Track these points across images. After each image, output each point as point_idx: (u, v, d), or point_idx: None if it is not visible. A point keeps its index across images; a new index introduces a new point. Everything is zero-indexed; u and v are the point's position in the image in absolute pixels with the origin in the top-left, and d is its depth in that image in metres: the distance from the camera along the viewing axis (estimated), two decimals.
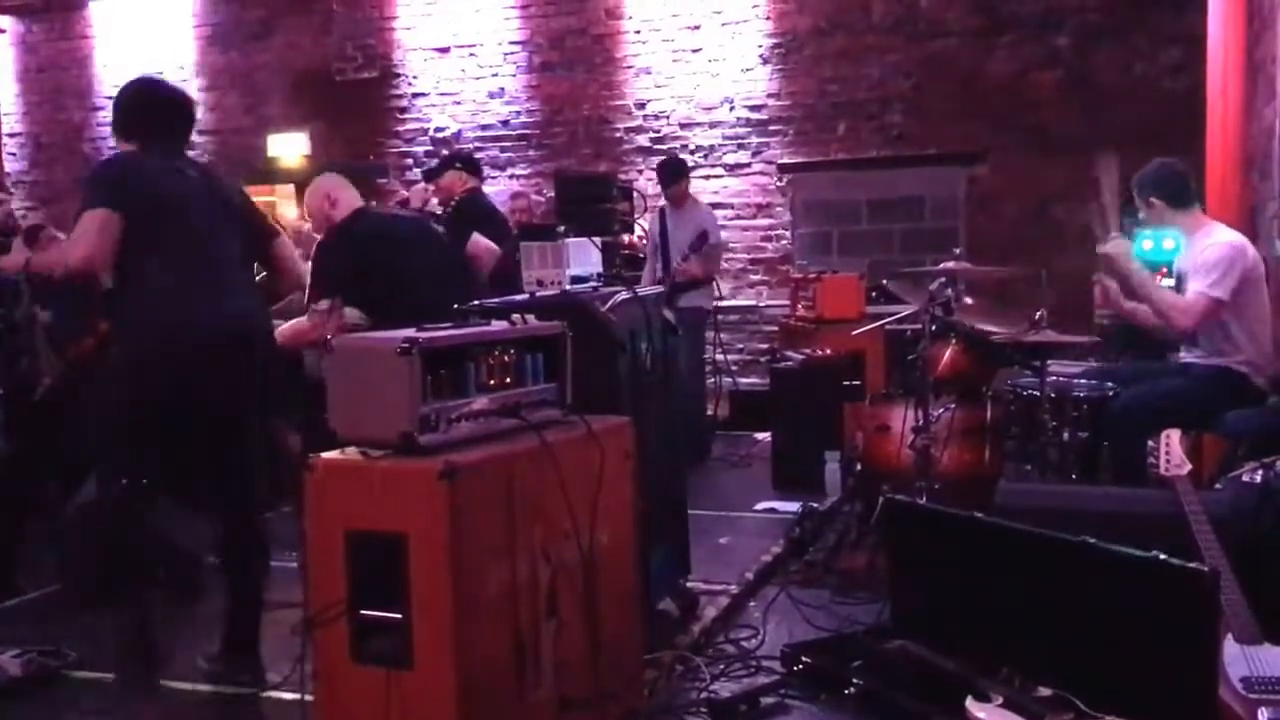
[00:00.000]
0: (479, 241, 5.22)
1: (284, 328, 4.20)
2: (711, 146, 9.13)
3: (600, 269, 3.94)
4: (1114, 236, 4.47)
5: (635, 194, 7.99)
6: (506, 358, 2.74)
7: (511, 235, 6.02)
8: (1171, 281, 4.71)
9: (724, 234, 7.82)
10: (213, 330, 3.36)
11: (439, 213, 6.11)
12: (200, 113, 10.47)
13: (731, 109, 9.07)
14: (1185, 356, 4.45)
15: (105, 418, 3.46)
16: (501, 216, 6.50)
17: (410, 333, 2.53)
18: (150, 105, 3.58)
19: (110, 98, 3.76)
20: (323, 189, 4.25)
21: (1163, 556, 2.60)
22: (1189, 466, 3.26)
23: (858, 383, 6.11)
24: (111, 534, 3.45)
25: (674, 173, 7.21)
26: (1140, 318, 4.57)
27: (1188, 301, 4.23)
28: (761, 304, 9.07)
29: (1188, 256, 4.37)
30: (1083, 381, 4.68)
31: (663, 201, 7.30)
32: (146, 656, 3.41)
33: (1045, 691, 2.77)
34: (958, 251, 4.97)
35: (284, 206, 10.55)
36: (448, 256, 4.46)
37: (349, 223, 4.15)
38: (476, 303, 3.36)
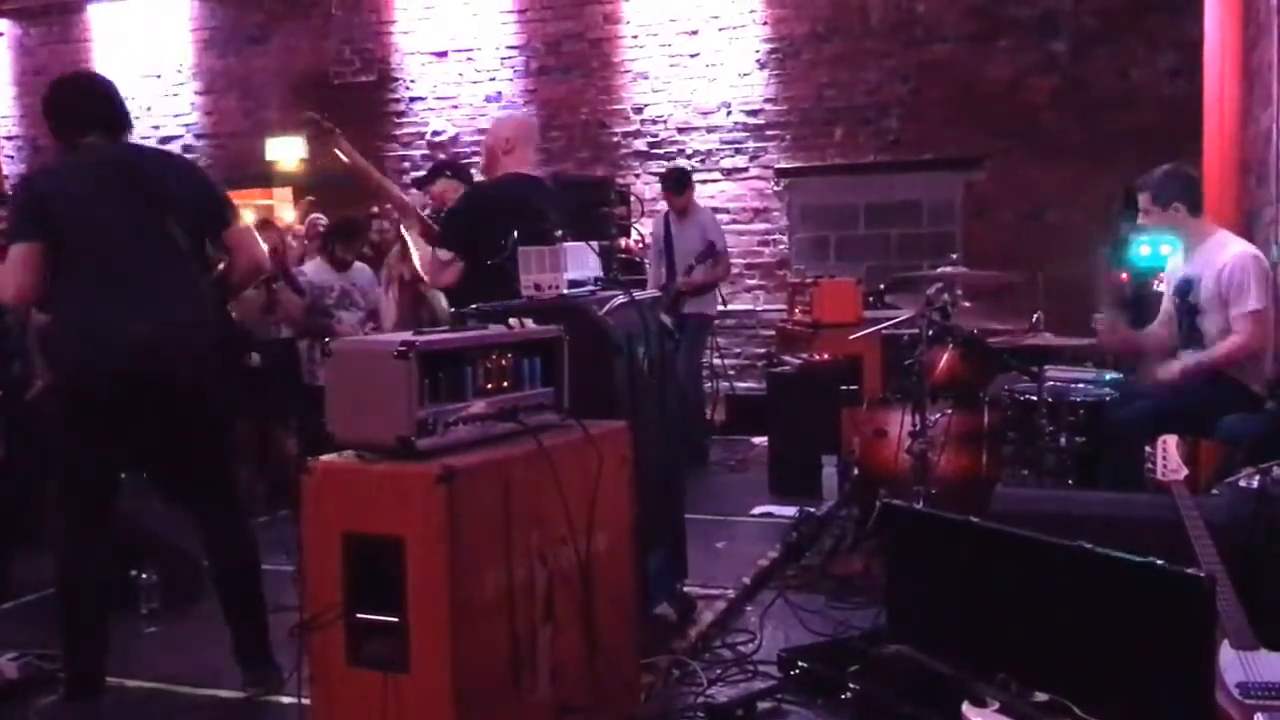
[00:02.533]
0: None
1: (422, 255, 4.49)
2: (709, 151, 9.14)
3: (598, 273, 3.94)
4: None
5: (633, 198, 8.02)
6: (504, 361, 2.73)
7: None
8: (1165, 287, 4.71)
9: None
10: (120, 355, 3.17)
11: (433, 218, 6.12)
12: (197, 117, 10.52)
13: (729, 114, 9.08)
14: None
15: (52, 435, 3.37)
16: None
17: (407, 336, 2.53)
18: (77, 99, 3.43)
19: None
20: (503, 129, 4.60)
21: (1159, 562, 2.60)
22: (1185, 472, 3.26)
23: (855, 387, 6.11)
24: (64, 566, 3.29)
25: (678, 183, 7.28)
26: (1150, 345, 4.58)
27: (1243, 334, 4.15)
28: (759, 308, 9.08)
29: (1197, 264, 4.34)
30: (1080, 386, 4.69)
31: (665, 207, 7.34)
32: (95, 679, 3.26)
33: (1042, 697, 2.77)
34: (955, 257, 4.98)
35: (282, 210, 10.56)
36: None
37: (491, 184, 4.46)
38: (474, 307, 3.36)
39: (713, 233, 7.20)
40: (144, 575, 4.22)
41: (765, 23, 8.96)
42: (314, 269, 6.15)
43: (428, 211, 6.32)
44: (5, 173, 10.86)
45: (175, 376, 3.26)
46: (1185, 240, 4.45)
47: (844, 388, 6.07)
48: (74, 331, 3.24)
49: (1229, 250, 4.23)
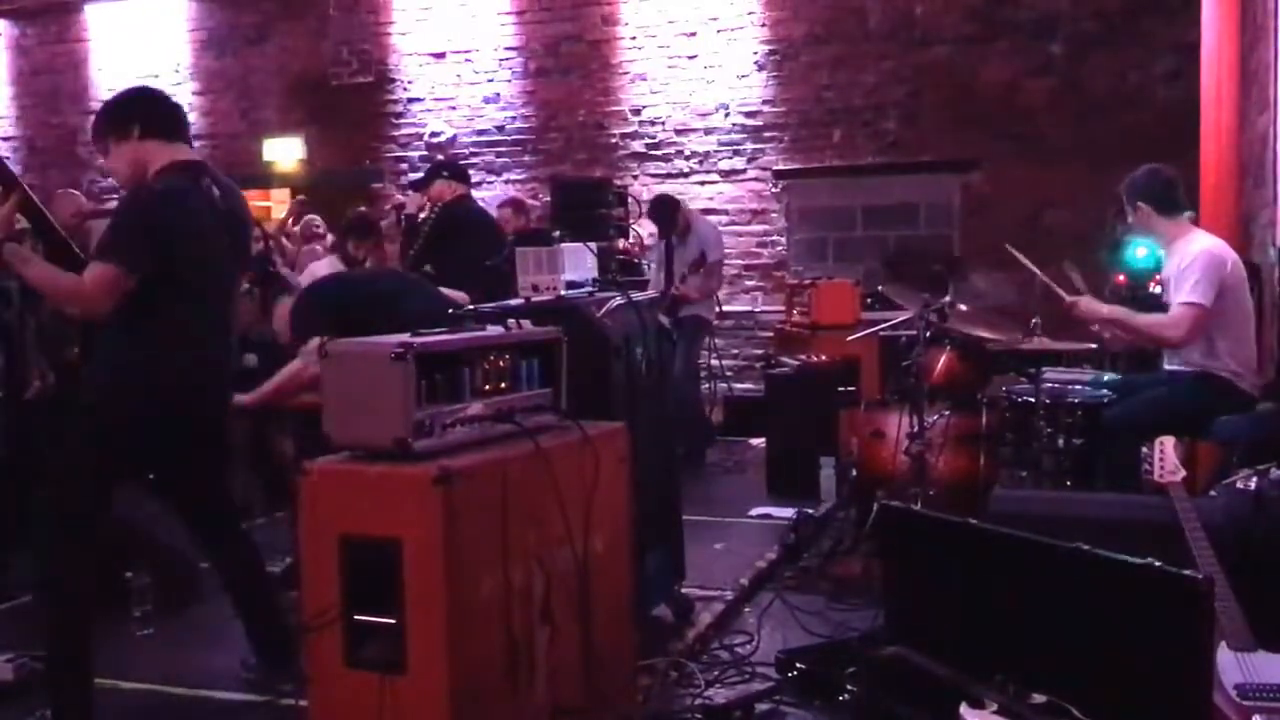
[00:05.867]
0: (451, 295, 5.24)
1: (274, 380, 4.13)
2: (707, 152, 9.14)
3: (595, 274, 3.94)
4: (1071, 299, 4.48)
5: (631, 200, 8.02)
6: (502, 363, 2.73)
7: (503, 242, 6.02)
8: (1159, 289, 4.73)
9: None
10: (194, 394, 3.21)
11: (426, 217, 6.13)
12: (195, 117, 10.51)
13: (727, 115, 9.08)
14: (1170, 364, 4.46)
15: (71, 457, 3.22)
16: (492, 223, 6.52)
17: (405, 338, 2.53)
18: (171, 105, 3.34)
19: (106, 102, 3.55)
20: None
21: (1157, 564, 2.60)
22: (1183, 473, 3.26)
23: (853, 389, 6.11)
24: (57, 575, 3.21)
25: (666, 215, 7.19)
26: (1119, 326, 4.59)
27: (1173, 317, 4.25)
28: (757, 310, 9.08)
29: (1169, 266, 4.39)
30: (1077, 388, 4.69)
31: None
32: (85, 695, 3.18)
33: (1039, 698, 2.77)
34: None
35: (279, 211, 10.55)
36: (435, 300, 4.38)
37: (318, 281, 4.24)
38: (472, 308, 3.36)
39: (710, 245, 7.23)
40: (136, 578, 4.20)
41: (763, 24, 8.95)
42: (327, 267, 6.14)
43: (424, 213, 6.33)
44: None
45: (214, 415, 3.35)
46: (1159, 241, 4.49)
47: (842, 389, 6.07)
48: (159, 362, 3.12)
49: (1192, 247, 4.26)
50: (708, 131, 9.14)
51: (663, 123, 9.24)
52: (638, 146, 9.31)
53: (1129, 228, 6.16)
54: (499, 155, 9.69)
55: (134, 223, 3.09)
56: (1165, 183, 4.41)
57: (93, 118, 3.34)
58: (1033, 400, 4.50)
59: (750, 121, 9.03)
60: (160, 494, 3.71)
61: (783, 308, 7.89)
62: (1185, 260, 4.21)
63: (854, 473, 5.00)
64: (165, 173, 3.17)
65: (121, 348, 3.13)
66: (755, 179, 9.08)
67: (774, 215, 9.08)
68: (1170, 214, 4.37)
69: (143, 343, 3.11)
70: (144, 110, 3.25)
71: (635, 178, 9.12)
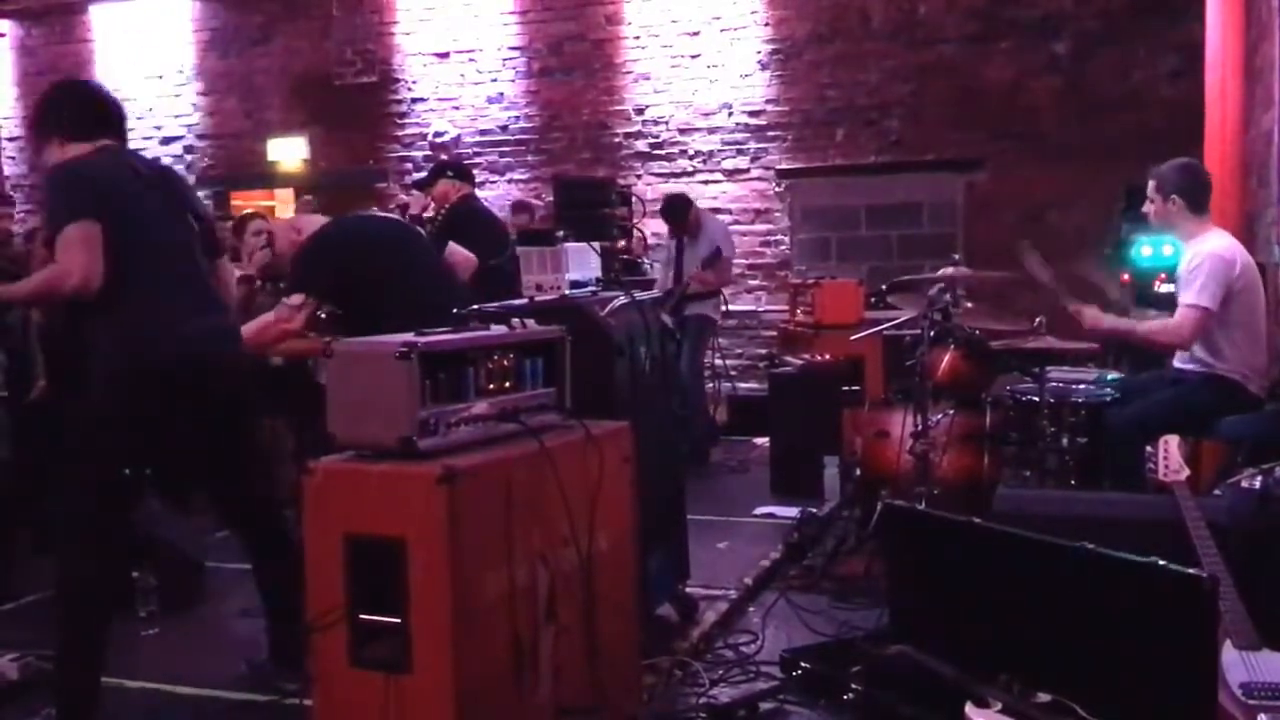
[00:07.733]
0: (456, 251, 5.22)
1: (246, 327, 3.96)
2: (710, 152, 9.14)
3: (599, 274, 3.94)
4: (1076, 308, 4.47)
5: (634, 199, 8.03)
6: (506, 362, 2.73)
7: (509, 241, 6.02)
8: (1173, 287, 4.71)
9: None
10: (180, 358, 3.16)
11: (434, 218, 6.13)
12: (199, 118, 10.54)
13: (730, 114, 9.08)
14: (1178, 364, 4.45)
15: (73, 440, 3.24)
16: (497, 221, 6.53)
17: (409, 337, 2.53)
18: (90, 102, 3.35)
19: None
20: (288, 225, 4.34)
21: (1161, 562, 2.60)
22: (1187, 472, 3.25)
23: (857, 388, 6.11)
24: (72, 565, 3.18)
25: (678, 213, 7.29)
26: (1123, 338, 4.59)
27: (1175, 320, 4.22)
28: (760, 309, 9.08)
29: (1182, 263, 4.38)
30: (1081, 387, 4.68)
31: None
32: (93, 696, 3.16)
33: (1044, 697, 2.77)
34: (956, 258, 4.97)
35: (283, 211, 10.57)
36: (432, 254, 4.35)
37: (325, 229, 4.11)
38: (475, 307, 3.36)
39: (722, 241, 7.27)
40: (143, 577, 4.21)
41: (766, 24, 8.95)
42: None
43: (428, 213, 6.33)
44: (6, 174, 10.87)
45: (222, 380, 3.29)
46: (1179, 236, 4.46)
47: (846, 388, 6.06)
48: (142, 330, 3.11)
49: (1203, 247, 4.24)
50: (711, 131, 9.14)
51: (666, 122, 9.24)
52: (641, 146, 9.31)
53: (1134, 226, 6.16)
54: (502, 155, 9.70)
55: (62, 183, 3.13)
56: (1201, 181, 4.38)
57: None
58: (1037, 399, 4.50)
59: (753, 121, 9.03)
60: (181, 482, 3.68)
61: (786, 307, 7.89)
62: (1194, 261, 4.19)
63: (858, 472, 5.00)
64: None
65: (100, 335, 3.13)
66: (759, 178, 9.08)
67: (777, 214, 9.08)
68: (1198, 212, 4.35)
69: (118, 323, 3.10)
70: (65, 116, 3.30)
71: (639, 177, 9.12)
